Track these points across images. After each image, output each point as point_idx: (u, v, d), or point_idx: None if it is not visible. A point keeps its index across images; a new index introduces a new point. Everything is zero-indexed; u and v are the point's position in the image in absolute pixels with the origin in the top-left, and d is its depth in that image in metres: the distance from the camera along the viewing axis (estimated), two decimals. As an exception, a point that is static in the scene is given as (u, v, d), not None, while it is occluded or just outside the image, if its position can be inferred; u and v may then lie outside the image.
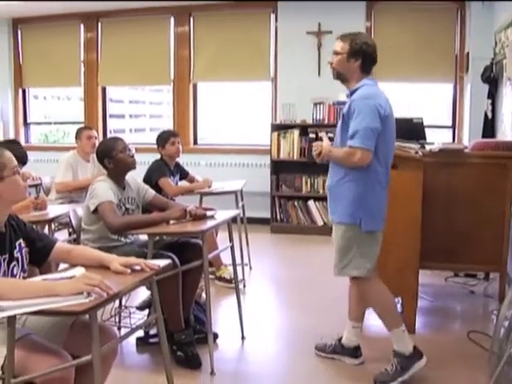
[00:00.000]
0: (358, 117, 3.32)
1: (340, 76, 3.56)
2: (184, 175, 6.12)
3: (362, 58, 3.46)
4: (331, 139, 3.71)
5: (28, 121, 10.05)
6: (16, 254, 2.68)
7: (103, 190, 3.91)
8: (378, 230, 3.51)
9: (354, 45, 3.46)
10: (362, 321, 3.89)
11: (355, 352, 3.85)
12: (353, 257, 3.48)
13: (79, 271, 2.56)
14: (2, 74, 9.52)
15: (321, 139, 3.68)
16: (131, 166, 4.12)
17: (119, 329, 4.26)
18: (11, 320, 2.23)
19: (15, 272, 2.66)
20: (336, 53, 3.53)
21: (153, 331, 4.16)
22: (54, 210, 4.72)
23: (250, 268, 6.23)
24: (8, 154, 2.68)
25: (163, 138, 5.78)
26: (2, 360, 2.31)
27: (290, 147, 8.10)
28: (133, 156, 4.14)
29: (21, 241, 2.73)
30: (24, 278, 2.71)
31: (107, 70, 9.25)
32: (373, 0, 8.03)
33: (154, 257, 3.51)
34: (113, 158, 4.06)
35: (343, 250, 3.50)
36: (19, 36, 9.74)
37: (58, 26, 9.45)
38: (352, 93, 3.48)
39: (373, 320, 4.08)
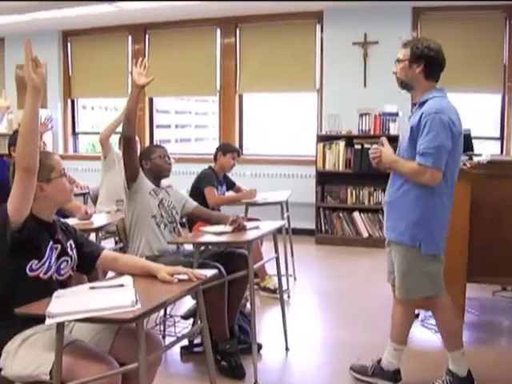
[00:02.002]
0: (430, 133, 3.15)
1: (404, 85, 3.43)
2: (231, 186, 6.15)
3: (424, 62, 3.29)
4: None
5: (76, 131, 10.23)
6: (69, 251, 2.75)
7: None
8: (439, 253, 3.39)
9: (416, 49, 3.30)
10: (404, 343, 3.63)
11: (395, 376, 3.61)
12: (415, 279, 3.36)
13: (127, 280, 2.59)
14: (53, 85, 9.69)
15: (381, 144, 3.50)
16: (165, 172, 4.30)
17: (164, 337, 4.28)
18: (60, 326, 2.27)
19: (62, 267, 2.71)
20: (398, 60, 3.38)
21: (197, 340, 4.17)
22: (102, 218, 4.78)
23: (295, 279, 6.21)
24: (56, 157, 2.76)
25: (229, 149, 5.86)
26: (50, 366, 2.34)
27: (336, 158, 8.06)
28: (170, 164, 4.31)
29: (71, 242, 2.80)
30: (70, 278, 2.76)
31: (154, 80, 9.31)
32: (419, 10, 7.97)
33: (200, 266, 3.53)
34: (150, 161, 4.26)
35: (405, 272, 3.38)
36: (69, 48, 9.94)
37: (106, 37, 9.62)
38: (421, 104, 3.32)
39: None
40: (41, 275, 2.59)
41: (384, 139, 3.53)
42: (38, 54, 2.37)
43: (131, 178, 4.05)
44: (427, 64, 3.30)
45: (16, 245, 2.50)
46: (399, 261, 3.40)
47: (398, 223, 3.37)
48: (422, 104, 3.31)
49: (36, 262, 2.58)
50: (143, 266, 2.82)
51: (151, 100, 9.67)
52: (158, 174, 4.27)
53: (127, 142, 3.96)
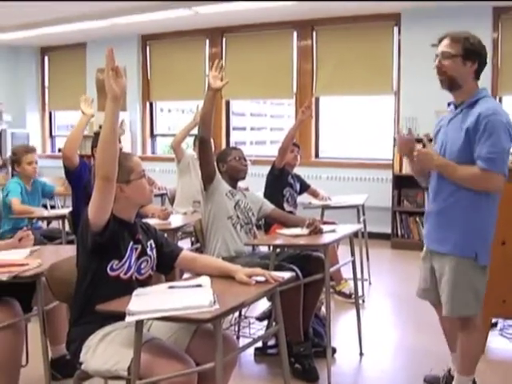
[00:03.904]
0: (492, 136, 2.92)
1: (452, 83, 3.12)
2: (305, 188, 6.12)
3: (478, 60, 3.06)
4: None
5: (154, 133, 10.43)
6: (148, 251, 2.79)
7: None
8: (488, 265, 3.15)
9: (470, 45, 3.03)
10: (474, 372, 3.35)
11: None
12: (465, 294, 3.08)
13: (205, 280, 2.61)
14: (132, 88, 9.90)
15: (423, 146, 3.34)
16: (241, 174, 4.31)
17: (238, 338, 4.29)
18: (139, 324, 2.31)
19: (142, 267, 2.75)
20: (448, 55, 3.09)
21: (271, 342, 4.18)
22: (179, 219, 4.85)
23: (370, 283, 6.14)
24: (136, 159, 2.81)
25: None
26: (129, 362, 2.38)
27: (413, 162, 7.91)
28: (246, 166, 4.32)
29: (151, 242, 2.84)
30: (149, 277, 2.81)
31: (230, 83, 9.38)
32: (500, 10, 7.74)
33: (276, 268, 3.52)
34: (227, 163, 4.28)
35: (456, 286, 3.08)
36: (147, 52, 10.14)
37: (183, 41, 9.78)
38: (471, 105, 3.07)
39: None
40: (121, 275, 2.64)
41: (426, 141, 3.37)
42: (118, 58, 2.39)
43: (208, 180, 4.09)
44: (480, 63, 3.08)
45: (97, 246, 2.55)
46: (450, 272, 3.10)
47: (450, 233, 3.10)
48: (472, 104, 3.07)
49: (116, 262, 2.63)
50: (221, 266, 2.84)
51: (228, 103, 9.75)
52: (234, 176, 4.29)
53: (203, 144, 4.00)
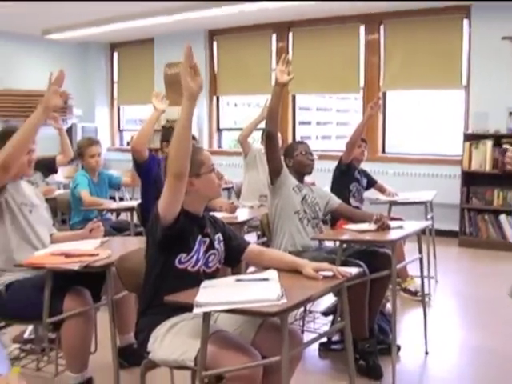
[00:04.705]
0: None
1: None
2: (372, 183, 6.06)
3: None
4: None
5: (220, 127, 10.51)
6: (216, 244, 2.81)
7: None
8: None
9: None
10: None
11: None
12: None
13: (272, 274, 2.62)
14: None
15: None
16: (307, 169, 4.29)
17: (302, 332, 4.29)
18: (206, 316, 2.32)
19: (210, 260, 2.77)
20: None
21: (335, 338, 4.16)
22: (245, 213, 4.87)
23: (436, 281, 6.03)
24: (206, 153, 2.84)
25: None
26: (195, 353, 2.40)
27: (482, 158, 7.74)
28: (312, 161, 4.29)
29: (219, 235, 2.86)
30: (217, 270, 2.83)
31: (297, 77, 9.37)
32: None
33: (343, 264, 3.50)
34: (293, 158, 4.27)
35: None
36: (214, 47, 10.21)
37: (250, 36, 9.81)
38: None
39: None
40: (189, 268, 2.67)
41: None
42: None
43: (275, 173, 4.09)
44: None
45: (166, 240, 2.59)
46: None
47: None
48: None
49: (185, 255, 2.66)
50: (288, 260, 2.84)
51: (294, 97, 9.73)
52: (300, 171, 4.28)
53: (270, 138, 4.01)
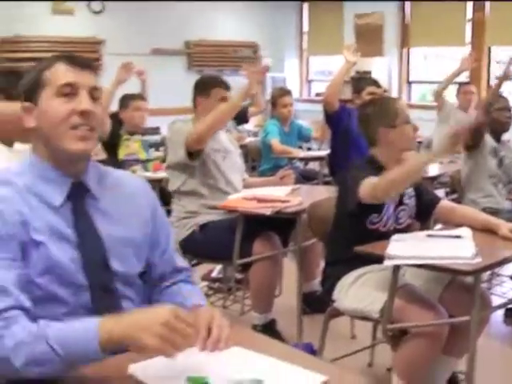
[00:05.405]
0: None
1: None
2: None
3: None
4: None
5: (410, 79, 10.22)
6: (406, 200, 2.76)
7: None
8: None
9: None
10: None
11: None
12: None
13: (465, 232, 2.53)
14: (390, 33, 9.77)
15: None
16: (506, 126, 4.11)
17: (489, 296, 4.14)
18: (396, 269, 2.32)
19: (400, 216, 2.73)
20: None
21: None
22: (435, 168, 4.75)
23: None
24: (402, 103, 2.78)
25: None
26: (381, 305, 2.40)
27: None
28: (510, 118, 4.10)
29: (411, 190, 2.79)
30: (408, 226, 2.78)
31: (495, 28, 8.89)
32: None
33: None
34: (490, 113, 4.08)
35: None
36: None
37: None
38: None
39: None
40: (380, 228, 2.66)
41: None
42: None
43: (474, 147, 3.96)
44: None
45: (359, 209, 2.56)
46: None
47: None
48: None
49: (376, 215, 2.64)
50: (482, 219, 2.73)
51: (489, 49, 9.20)
52: (497, 129, 4.09)
53: None
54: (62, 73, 1.55)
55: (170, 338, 1.30)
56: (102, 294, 1.57)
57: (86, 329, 1.34)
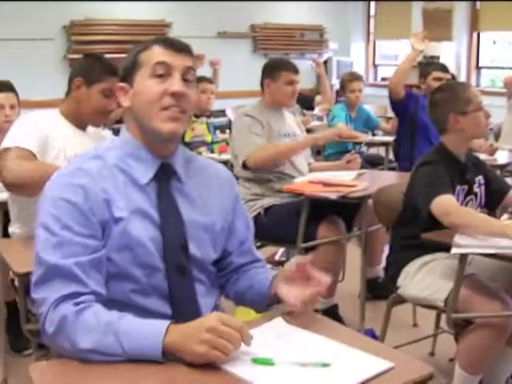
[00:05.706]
0: None
1: None
2: None
3: None
4: None
5: (479, 65, 9.99)
6: (475, 188, 2.71)
7: None
8: None
9: None
10: None
11: None
12: None
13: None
14: (460, 18, 9.57)
15: None
16: None
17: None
18: (463, 257, 2.28)
19: (469, 205, 2.68)
20: None
21: None
22: (505, 155, 4.66)
23: None
24: (474, 90, 2.71)
25: None
26: (447, 294, 2.38)
27: None
28: None
29: (480, 177, 2.74)
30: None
31: None
32: None
33: None
34: None
35: None
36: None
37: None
38: None
39: None
40: None
41: None
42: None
43: None
44: None
45: None
46: None
47: None
48: None
49: None
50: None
51: None
52: None
53: None
54: (157, 54, 1.58)
55: (217, 343, 1.32)
56: (178, 275, 1.60)
57: (155, 334, 1.36)
